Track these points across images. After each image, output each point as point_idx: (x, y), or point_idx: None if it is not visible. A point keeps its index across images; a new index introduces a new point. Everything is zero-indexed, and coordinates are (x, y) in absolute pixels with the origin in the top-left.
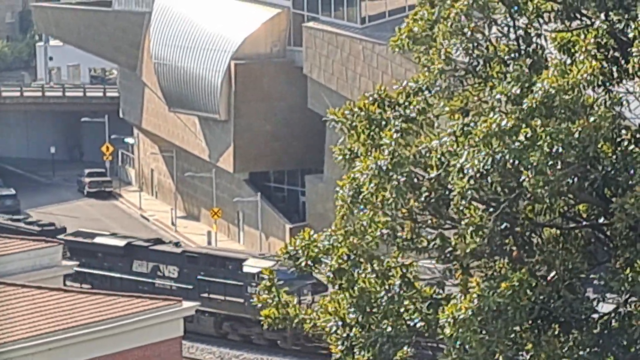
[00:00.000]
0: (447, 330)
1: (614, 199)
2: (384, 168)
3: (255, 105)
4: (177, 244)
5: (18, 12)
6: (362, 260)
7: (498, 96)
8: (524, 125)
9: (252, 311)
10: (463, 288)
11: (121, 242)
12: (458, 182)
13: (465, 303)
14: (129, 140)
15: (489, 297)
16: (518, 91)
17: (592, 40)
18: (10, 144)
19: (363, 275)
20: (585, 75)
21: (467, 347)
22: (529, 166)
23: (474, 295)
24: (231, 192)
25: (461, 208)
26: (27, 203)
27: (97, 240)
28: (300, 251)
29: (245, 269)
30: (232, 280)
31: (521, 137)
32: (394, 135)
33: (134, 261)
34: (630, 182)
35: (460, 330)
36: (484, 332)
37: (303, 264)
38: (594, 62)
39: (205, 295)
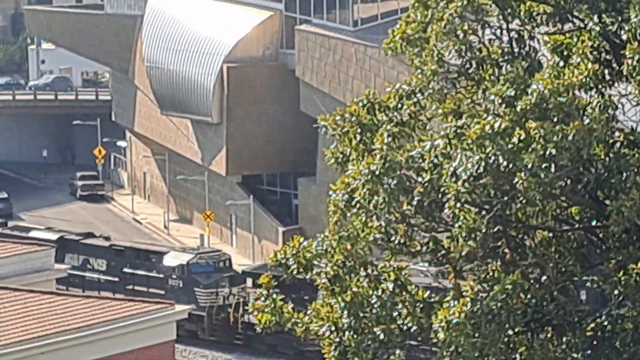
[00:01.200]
0: (441, 335)
1: (607, 202)
2: (376, 172)
3: (247, 108)
4: (107, 238)
5: (10, 15)
6: (356, 266)
7: (492, 97)
8: (517, 128)
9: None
10: (456, 292)
11: (54, 236)
12: (452, 185)
13: (459, 307)
14: (121, 143)
15: (482, 300)
16: (512, 93)
17: (589, 42)
18: (2, 147)
19: (356, 280)
20: (580, 77)
21: (460, 350)
22: (523, 168)
23: (467, 299)
24: (224, 195)
25: (455, 211)
26: (19, 206)
27: (32, 234)
28: (291, 259)
29: (166, 262)
30: (154, 273)
31: (515, 139)
32: (386, 140)
33: (66, 255)
34: (623, 184)
35: (454, 334)
36: (477, 335)
37: (294, 271)
38: (589, 65)
39: (130, 287)
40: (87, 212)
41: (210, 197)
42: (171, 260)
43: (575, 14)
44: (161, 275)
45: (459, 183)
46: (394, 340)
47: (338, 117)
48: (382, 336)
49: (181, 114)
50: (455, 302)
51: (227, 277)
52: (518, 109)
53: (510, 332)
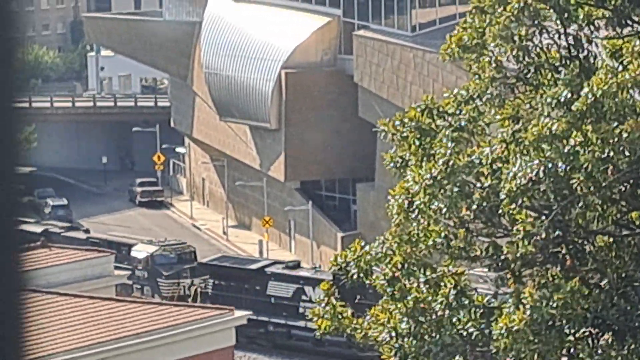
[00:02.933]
0: (502, 342)
1: None
2: (438, 177)
3: (306, 113)
4: (86, 231)
5: (69, 23)
6: (415, 269)
7: (549, 100)
8: (574, 130)
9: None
10: (515, 298)
11: (38, 229)
12: (507, 185)
13: (519, 315)
14: (180, 149)
15: (542, 307)
16: (569, 95)
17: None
18: (62, 154)
19: (415, 284)
20: (633, 76)
21: (521, 356)
22: (580, 169)
23: (527, 306)
24: (282, 201)
25: (511, 212)
26: (79, 213)
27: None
28: (352, 263)
29: (133, 254)
30: (125, 264)
31: (572, 142)
32: (449, 145)
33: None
34: None
35: (515, 341)
36: (537, 341)
37: (355, 276)
38: None
39: None
40: (146, 219)
41: (269, 203)
42: (138, 252)
43: (634, 17)
44: (129, 267)
45: (514, 183)
46: (456, 345)
47: (397, 122)
48: (445, 339)
49: (239, 120)
50: (515, 310)
51: (188, 269)
52: (574, 109)
53: (571, 338)
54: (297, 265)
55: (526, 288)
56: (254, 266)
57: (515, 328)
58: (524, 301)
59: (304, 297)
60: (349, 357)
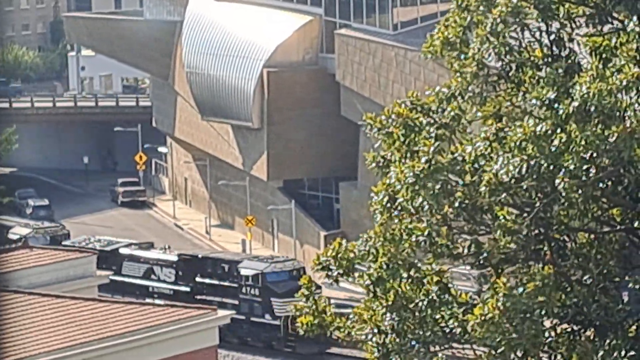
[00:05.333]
0: (478, 333)
1: None
2: (420, 175)
3: (288, 112)
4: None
5: (49, 23)
6: (400, 268)
7: (533, 101)
8: (559, 130)
9: None
10: (492, 290)
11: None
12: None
13: (492, 302)
14: (162, 149)
15: (515, 296)
16: (553, 96)
17: (633, 45)
18: (43, 154)
19: (398, 282)
20: (625, 82)
21: (500, 349)
22: (564, 170)
23: (500, 295)
24: (265, 200)
25: (493, 209)
26: (60, 213)
27: None
28: (331, 261)
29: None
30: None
31: (556, 142)
32: (432, 142)
33: None
34: None
35: (490, 329)
36: (514, 333)
37: (335, 273)
38: (634, 69)
39: None
40: (129, 219)
41: (252, 202)
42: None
43: (615, 15)
44: None
45: (494, 181)
46: (438, 342)
47: (383, 117)
48: (427, 334)
49: (222, 120)
50: (490, 299)
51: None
52: (560, 112)
53: (552, 333)
54: (149, 246)
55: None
56: (109, 247)
57: (489, 316)
58: (497, 290)
59: (152, 277)
60: None
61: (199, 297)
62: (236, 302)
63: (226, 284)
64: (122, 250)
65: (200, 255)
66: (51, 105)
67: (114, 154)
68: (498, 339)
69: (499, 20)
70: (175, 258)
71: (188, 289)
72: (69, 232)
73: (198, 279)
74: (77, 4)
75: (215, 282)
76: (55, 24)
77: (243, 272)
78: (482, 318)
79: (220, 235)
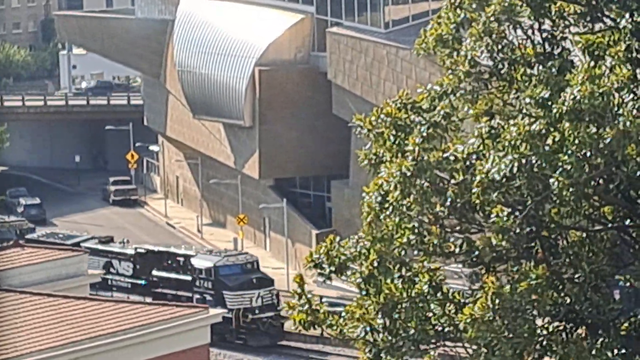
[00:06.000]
0: (469, 332)
1: (639, 201)
2: (408, 174)
3: (280, 111)
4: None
5: (41, 21)
6: (391, 267)
7: (527, 100)
8: (552, 129)
9: None
10: (483, 290)
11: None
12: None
13: (482, 301)
14: (154, 148)
15: (504, 293)
16: (547, 95)
17: (622, 45)
18: (35, 153)
19: (389, 280)
20: (617, 83)
21: (494, 349)
22: (558, 169)
23: (489, 293)
24: (257, 199)
25: (485, 207)
26: (52, 212)
27: None
28: (324, 258)
29: None
30: None
31: (549, 141)
32: (417, 141)
33: None
34: None
35: (481, 328)
36: (505, 331)
37: (327, 271)
38: (624, 70)
39: None
40: (120, 217)
41: (244, 201)
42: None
43: (607, 13)
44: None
45: (486, 179)
46: (428, 340)
47: (373, 118)
48: (416, 335)
49: (213, 118)
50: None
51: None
52: (554, 112)
53: (544, 332)
54: (109, 240)
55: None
56: (70, 241)
57: (479, 314)
58: (487, 289)
59: (111, 270)
60: None
61: (155, 290)
62: (190, 294)
63: (181, 277)
64: (83, 244)
65: (156, 249)
66: (42, 103)
67: (105, 153)
68: (490, 338)
69: (492, 18)
70: (132, 252)
71: (145, 282)
72: (34, 227)
73: (155, 272)
74: (68, 2)
75: (171, 275)
76: (46, 23)
77: (197, 265)
78: (473, 317)
79: (212, 234)
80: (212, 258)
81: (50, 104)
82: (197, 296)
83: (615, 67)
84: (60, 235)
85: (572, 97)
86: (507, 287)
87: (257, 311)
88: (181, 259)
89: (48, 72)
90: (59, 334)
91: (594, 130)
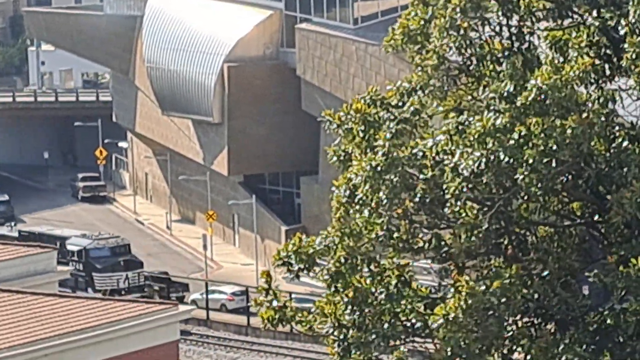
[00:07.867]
0: (441, 332)
1: (608, 197)
2: (378, 169)
3: (248, 107)
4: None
5: (9, 17)
6: (358, 263)
7: (492, 95)
8: (518, 123)
9: None
10: (454, 288)
11: None
12: (451, 183)
13: (455, 302)
14: (123, 144)
15: (478, 294)
16: (511, 89)
17: (585, 37)
18: (3, 149)
19: (358, 276)
20: (577, 72)
21: (461, 345)
22: (524, 163)
23: (463, 294)
24: (226, 195)
25: (456, 209)
26: (20, 209)
27: None
28: (292, 255)
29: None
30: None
31: (515, 135)
32: (387, 136)
33: None
34: (624, 179)
35: (453, 329)
36: (478, 331)
37: (296, 268)
38: (586, 59)
39: None
40: (89, 214)
41: (213, 197)
42: None
43: (575, 9)
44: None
45: (459, 180)
46: (398, 336)
47: (343, 114)
48: (386, 331)
49: (182, 114)
50: (452, 298)
51: None
52: (518, 104)
53: (513, 327)
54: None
55: (463, 277)
56: None
57: (452, 316)
58: (460, 289)
59: None
60: None
61: None
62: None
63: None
64: None
65: (37, 232)
66: (11, 100)
67: (74, 149)
68: (461, 337)
69: (458, 10)
70: (16, 234)
71: None
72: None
73: None
74: None
75: None
76: (15, 19)
77: (69, 247)
78: (445, 318)
79: (181, 231)
80: (83, 241)
81: (19, 100)
82: (70, 278)
83: (577, 57)
84: None
85: (535, 87)
86: (481, 287)
87: (123, 292)
88: (58, 241)
89: (16, 68)
90: (28, 331)
91: (559, 122)
